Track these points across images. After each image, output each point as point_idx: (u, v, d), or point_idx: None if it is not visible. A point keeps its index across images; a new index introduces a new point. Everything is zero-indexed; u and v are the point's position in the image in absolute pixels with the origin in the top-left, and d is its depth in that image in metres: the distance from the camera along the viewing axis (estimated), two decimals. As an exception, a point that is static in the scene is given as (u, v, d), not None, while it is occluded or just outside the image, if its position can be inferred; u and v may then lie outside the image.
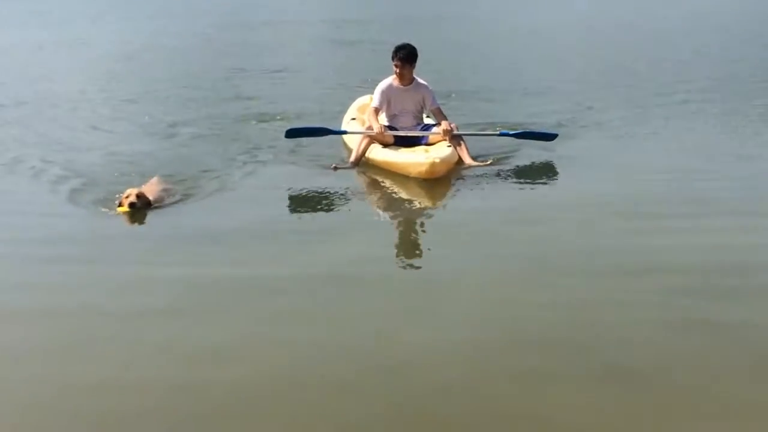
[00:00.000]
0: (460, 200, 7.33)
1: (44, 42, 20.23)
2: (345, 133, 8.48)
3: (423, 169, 7.46)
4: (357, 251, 5.89)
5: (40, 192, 7.32)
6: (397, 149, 8.04)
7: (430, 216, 7.07)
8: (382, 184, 7.67)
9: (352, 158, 8.08)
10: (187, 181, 7.40)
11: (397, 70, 8.25)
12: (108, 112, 11.17)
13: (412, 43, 8.36)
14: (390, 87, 8.33)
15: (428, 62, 8.88)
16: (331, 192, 7.30)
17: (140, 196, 6.61)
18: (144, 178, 7.34)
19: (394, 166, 7.78)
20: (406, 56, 8.21)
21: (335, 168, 7.84)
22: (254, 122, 10.27)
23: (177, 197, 7.04)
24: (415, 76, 8.36)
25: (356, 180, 7.75)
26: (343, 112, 9.51)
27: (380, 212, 7.12)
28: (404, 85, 8.32)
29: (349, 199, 7.22)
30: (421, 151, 7.90)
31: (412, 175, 7.56)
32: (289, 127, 8.34)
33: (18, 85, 13.68)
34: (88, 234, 6.26)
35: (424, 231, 6.68)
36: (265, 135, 9.18)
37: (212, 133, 9.62)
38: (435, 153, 7.68)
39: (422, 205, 7.23)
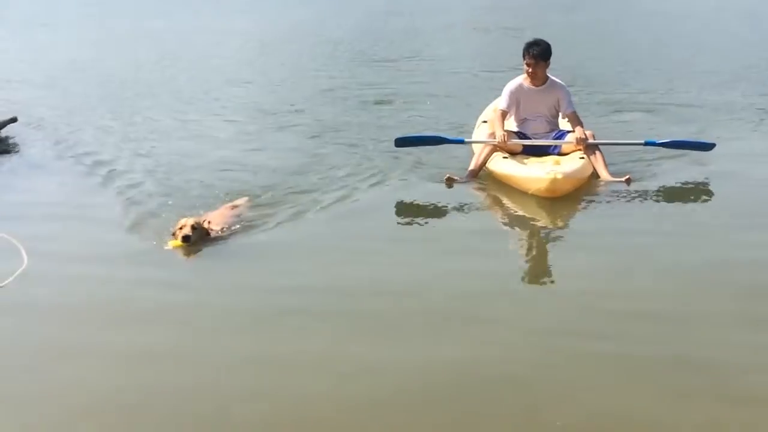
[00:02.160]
0: (586, 222, 6.40)
1: (190, 29, 20.52)
2: (462, 142, 7.56)
3: (542, 185, 6.49)
4: (455, 272, 5.29)
5: (107, 209, 6.68)
6: (524, 159, 7.11)
7: (547, 238, 6.10)
8: (499, 201, 6.79)
9: (471, 167, 7.20)
10: (276, 204, 6.61)
11: (530, 69, 7.29)
12: (221, 107, 10.90)
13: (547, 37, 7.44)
14: (520, 87, 7.41)
15: (562, 52, 7.88)
16: (436, 210, 6.53)
17: (196, 227, 5.68)
18: (229, 196, 6.72)
19: (513, 180, 6.85)
20: (540, 53, 7.25)
21: (449, 180, 7.03)
22: (378, 111, 9.84)
23: (255, 222, 6.18)
24: (548, 74, 7.42)
25: (470, 195, 6.87)
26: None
27: (487, 234, 6.13)
28: (536, 86, 7.36)
29: (454, 219, 6.39)
30: (549, 162, 6.91)
31: (531, 192, 6.61)
32: (398, 136, 7.60)
33: (138, 74, 13.58)
34: (123, 272, 5.39)
35: (535, 255, 5.83)
36: (379, 137, 8.46)
37: (325, 135, 8.99)
38: (559, 167, 6.66)
39: (540, 226, 6.29)
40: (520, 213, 6.54)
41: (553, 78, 7.42)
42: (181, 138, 9.25)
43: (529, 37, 7.60)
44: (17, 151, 9.19)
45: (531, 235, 6.16)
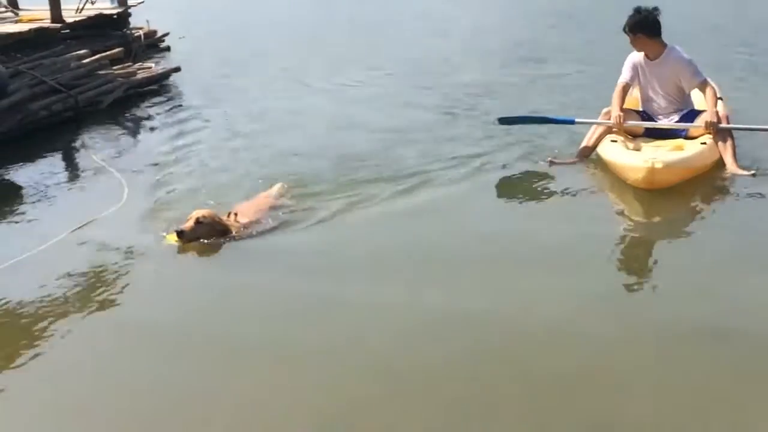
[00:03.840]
0: (686, 221, 5.47)
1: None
2: (573, 122, 6.66)
3: (639, 176, 5.61)
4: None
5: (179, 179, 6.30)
6: (642, 143, 6.19)
7: (637, 238, 5.28)
8: (596, 191, 6.02)
9: (581, 146, 6.45)
10: (340, 190, 5.86)
11: (633, 45, 6.40)
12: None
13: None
14: (641, 60, 6.44)
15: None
16: (527, 195, 5.89)
17: (202, 221, 4.85)
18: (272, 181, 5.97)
19: (614, 167, 6.01)
20: (632, 26, 6.29)
21: (551, 162, 6.35)
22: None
23: (295, 216, 5.33)
24: (667, 42, 6.35)
25: (570, 180, 6.05)
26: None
27: (564, 230, 5.22)
28: (651, 59, 6.38)
29: (540, 209, 5.67)
30: (665, 148, 5.99)
31: (629, 183, 5.77)
32: (501, 115, 6.93)
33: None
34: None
35: (614, 258, 4.87)
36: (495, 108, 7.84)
37: (436, 108, 8.44)
38: (662, 154, 5.76)
39: (634, 223, 5.47)
40: (616, 205, 5.78)
41: (673, 47, 6.35)
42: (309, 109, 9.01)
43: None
44: (174, 98, 9.70)
45: (617, 234, 5.24)
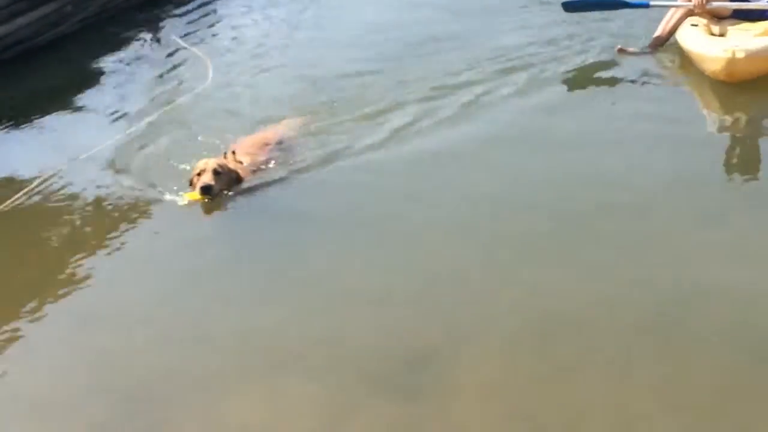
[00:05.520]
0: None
1: None
2: (647, 6, 6.19)
3: (717, 67, 5.26)
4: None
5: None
6: (730, 26, 5.69)
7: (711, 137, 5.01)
8: (670, 82, 5.82)
9: (656, 33, 6.11)
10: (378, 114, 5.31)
11: None
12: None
13: None
14: None
15: None
16: (587, 89, 5.65)
17: (220, 171, 4.24)
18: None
19: (691, 56, 5.69)
20: None
21: (619, 51, 6.06)
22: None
23: (305, 154, 4.73)
24: None
25: (639, 70, 5.79)
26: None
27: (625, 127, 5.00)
28: None
29: (601, 102, 5.44)
30: (753, 31, 5.45)
31: (707, 74, 5.45)
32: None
33: None
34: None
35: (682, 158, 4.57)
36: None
37: None
38: (746, 41, 5.27)
39: (706, 120, 5.23)
40: (690, 101, 5.55)
41: None
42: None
43: None
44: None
45: (686, 133, 4.87)
